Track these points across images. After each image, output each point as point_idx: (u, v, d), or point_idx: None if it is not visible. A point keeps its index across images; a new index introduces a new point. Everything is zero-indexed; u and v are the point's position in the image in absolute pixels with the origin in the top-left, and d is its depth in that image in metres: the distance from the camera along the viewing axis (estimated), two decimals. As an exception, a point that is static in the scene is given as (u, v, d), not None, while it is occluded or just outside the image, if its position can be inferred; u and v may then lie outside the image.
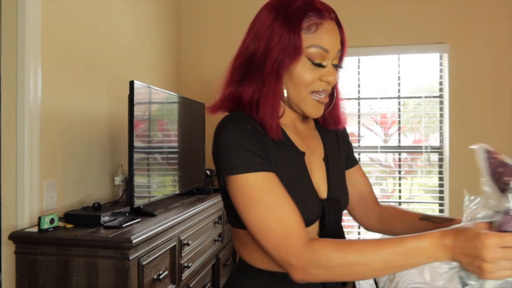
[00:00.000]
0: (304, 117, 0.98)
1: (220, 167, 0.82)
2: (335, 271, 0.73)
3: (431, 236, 0.69)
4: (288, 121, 0.93)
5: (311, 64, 0.84)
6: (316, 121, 1.02)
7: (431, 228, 1.04)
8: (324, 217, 0.89)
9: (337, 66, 0.88)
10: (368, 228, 1.11)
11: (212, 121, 3.27)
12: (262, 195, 0.77)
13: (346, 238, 0.93)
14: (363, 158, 3.27)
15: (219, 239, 2.52)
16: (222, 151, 0.81)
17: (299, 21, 0.82)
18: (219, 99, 0.92)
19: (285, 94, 0.87)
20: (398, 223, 1.03)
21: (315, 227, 0.89)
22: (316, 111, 0.89)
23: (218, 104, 0.92)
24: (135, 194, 1.82)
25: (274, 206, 0.77)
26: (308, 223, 0.85)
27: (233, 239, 0.95)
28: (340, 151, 1.04)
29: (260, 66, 0.85)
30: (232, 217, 0.89)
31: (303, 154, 0.91)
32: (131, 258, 1.45)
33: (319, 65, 0.84)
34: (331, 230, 0.90)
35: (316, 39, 0.83)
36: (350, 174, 1.07)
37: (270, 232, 0.76)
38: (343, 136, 1.08)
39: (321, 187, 0.93)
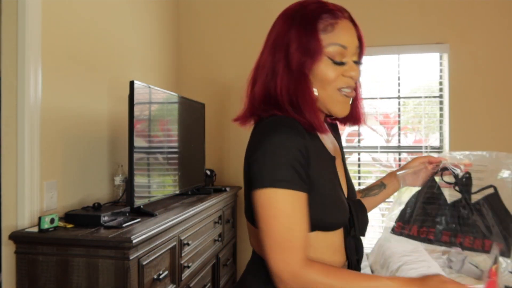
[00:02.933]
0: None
1: (259, 176, 0.81)
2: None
3: (402, 280, 0.80)
4: None
5: (331, 62, 0.86)
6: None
7: (379, 200, 1.13)
8: (353, 219, 0.92)
9: (357, 63, 0.90)
10: None
11: (213, 121, 3.25)
12: (289, 213, 0.79)
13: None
14: (363, 158, 3.27)
15: (219, 239, 2.52)
16: (266, 161, 0.80)
17: (314, 23, 0.86)
18: (247, 107, 0.93)
19: (316, 93, 0.88)
20: None
21: (340, 231, 0.91)
22: (344, 110, 0.90)
23: (249, 110, 0.93)
24: (135, 194, 1.82)
25: (295, 224, 0.79)
26: (337, 226, 0.88)
27: (256, 245, 0.93)
28: (342, 148, 1.06)
29: (286, 71, 0.86)
30: None
31: (334, 158, 0.93)
32: (131, 258, 1.45)
33: (340, 63, 0.87)
34: (361, 231, 0.94)
35: (333, 37, 0.86)
36: None
37: (281, 241, 0.78)
38: (338, 131, 1.10)
39: (344, 190, 0.95)
